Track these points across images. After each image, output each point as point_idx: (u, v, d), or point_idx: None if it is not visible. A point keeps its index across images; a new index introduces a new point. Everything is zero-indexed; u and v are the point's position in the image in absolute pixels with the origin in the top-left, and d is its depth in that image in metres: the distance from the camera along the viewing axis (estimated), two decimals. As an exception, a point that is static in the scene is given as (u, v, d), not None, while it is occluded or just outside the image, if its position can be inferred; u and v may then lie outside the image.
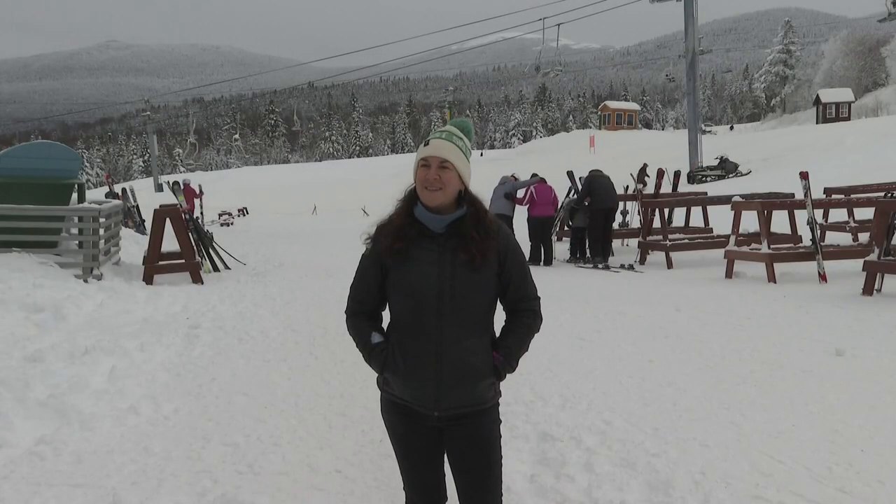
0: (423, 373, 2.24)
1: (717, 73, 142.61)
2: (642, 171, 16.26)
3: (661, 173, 13.76)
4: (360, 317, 2.38)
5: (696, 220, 14.66)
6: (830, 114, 60.62)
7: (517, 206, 12.87)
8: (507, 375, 2.36)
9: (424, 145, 2.28)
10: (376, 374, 2.39)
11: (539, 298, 2.40)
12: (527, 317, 2.35)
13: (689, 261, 11.76)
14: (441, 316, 2.21)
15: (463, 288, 2.22)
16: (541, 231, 12.52)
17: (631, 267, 11.57)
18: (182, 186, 21.30)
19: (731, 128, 79.16)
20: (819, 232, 10.37)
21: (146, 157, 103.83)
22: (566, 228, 13.75)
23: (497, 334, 2.38)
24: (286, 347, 6.58)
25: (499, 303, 2.39)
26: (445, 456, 2.40)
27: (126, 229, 15.46)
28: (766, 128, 69.36)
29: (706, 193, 16.44)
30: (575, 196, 16.20)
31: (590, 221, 12.26)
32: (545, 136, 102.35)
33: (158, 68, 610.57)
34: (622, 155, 42.46)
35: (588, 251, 12.44)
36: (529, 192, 12.61)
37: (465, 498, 2.36)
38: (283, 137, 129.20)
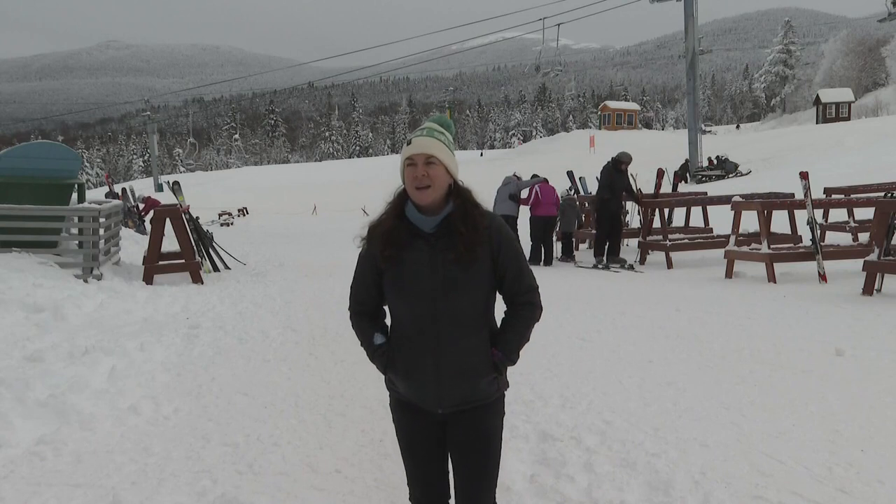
0: (422, 373, 2.25)
1: (718, 72, 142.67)
2: (684, 168, 16.30)
3: (660, 173, 13.75)
4: (362, 316, 2.39)
5: (696, 220, 14.66)
6: (830, 114, 60.69)
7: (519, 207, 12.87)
8: (509, 369, 2.36)
9: (407, 144, 2.26)
10: (381, 375, 2.40)
11: (537, 289, 2.35)
12: (525, 309, 2.32)
13: (689, 261, 11.76)
14: (436, 316, 2.21)
15: (456, 286, 2.20)
16: (542, 231, 12.53)
17: (631, 267, 11.56)
18: (146, 196, 21.46)
19: (738, 127, 79.28)
20: (819, 232, 10.37)
21: (146, 157, 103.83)
22: None
23: (498, 326, 2.37)
24: (286, 347, 6.57)
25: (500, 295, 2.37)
26: (446, 455, 2.41)
27: (126, 229, 15.47)
28: (766, 128, 69.41)
29: (706, 193, 16.45)
30: (574, 194, 16.19)
31: (607, 222, 12.19)
32: (545, 136, 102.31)
33: (158, 68, 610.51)
34: (622, 155, 42.39)
35: (605, 253, 12.26)
36: (534, 191, 12.60)
37: (460, 486, 2.38)
38: (283, 137, 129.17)
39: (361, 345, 2.39)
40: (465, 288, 2.21)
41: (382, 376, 2.41)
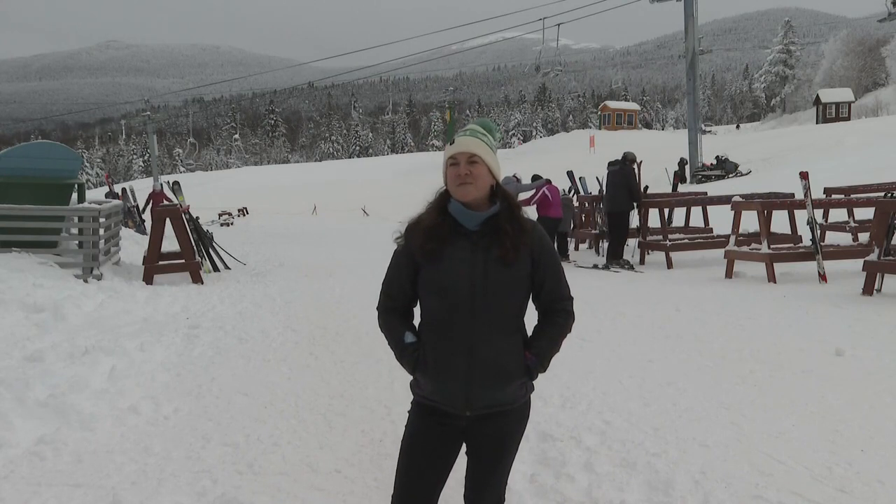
0: (453, 371, 2.22)
1: (718, 72, 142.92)
2: (681, 166, 16.17)
3: (634, 161, 13.42)
4: (392, 314, 2.37)
5: (697, 220, 14.66)
6: (830, 114, 60.68)
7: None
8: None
9: (450, 144, 2.29)
10: (405, 380, 2.37)
11: (572, 299, 2.38)
12: (560, 317, 2.35)
13: (689, 261, 11.76)
14: (473, 314, 2.20)
15: (495, 285, 2.20)
16: (552, 232, 12.46)
17: (631, 267, 11.56)
18: (154, 192, 21.43)
19: (738, 127, 79.36)
20: (819, 232, 10.36)
21: (146, 157, 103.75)
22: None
23: (529, 334, 2.37)
24: (286, 347, 6.57)
25: (531, 304, 2.38)
26: (446, 470, 2.37)
27: (126, 229, 15.46)
28: (766, 128, 69.42)
29: (706, 193, 16.44)
30: (574, 194, 16.15)
31: (620, 224, 12.06)
32: (545, 136, 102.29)
33: (158, 68, 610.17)
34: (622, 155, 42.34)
35: (614, 256, 12.05)
36: (542, 192, 12.52)
37: (470, 479, 2.39)
38: (283, 137, 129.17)
39: (389, 344, 2.36)
40: (503, 287, 2.22)
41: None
